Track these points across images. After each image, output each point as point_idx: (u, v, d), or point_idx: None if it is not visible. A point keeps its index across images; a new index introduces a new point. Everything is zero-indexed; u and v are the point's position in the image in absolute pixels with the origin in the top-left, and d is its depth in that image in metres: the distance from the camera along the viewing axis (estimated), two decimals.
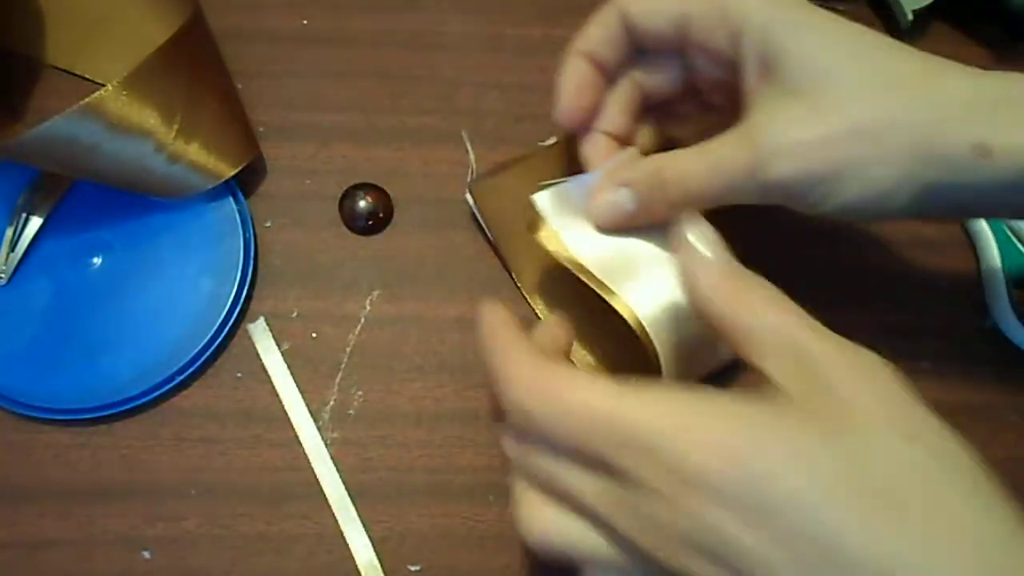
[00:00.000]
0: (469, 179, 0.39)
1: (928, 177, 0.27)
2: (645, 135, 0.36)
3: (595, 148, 0.34)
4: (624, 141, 0.35)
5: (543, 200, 0.33)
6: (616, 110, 0.34)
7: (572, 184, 0.34)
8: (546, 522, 0.25)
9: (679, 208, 0.30)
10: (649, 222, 0.32)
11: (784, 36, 0.28)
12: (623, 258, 0.32)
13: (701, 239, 0.27)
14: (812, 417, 0.22)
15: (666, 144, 0.36)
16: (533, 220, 0.33)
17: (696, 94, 0.35)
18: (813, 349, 0.24)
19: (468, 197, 0.38)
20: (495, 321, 0.27)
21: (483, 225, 0.38)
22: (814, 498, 0.21)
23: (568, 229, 0.33)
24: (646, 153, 0.34)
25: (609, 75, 0.34)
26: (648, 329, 0.31)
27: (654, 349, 0.31)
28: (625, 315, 0.31)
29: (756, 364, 0.24)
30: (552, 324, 0.30)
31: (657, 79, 0.34)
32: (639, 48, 0.33)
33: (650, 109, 0.36)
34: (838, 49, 0.28)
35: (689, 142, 0.33)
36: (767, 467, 0.21)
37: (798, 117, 0.28)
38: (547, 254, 0.33)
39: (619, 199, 0.32)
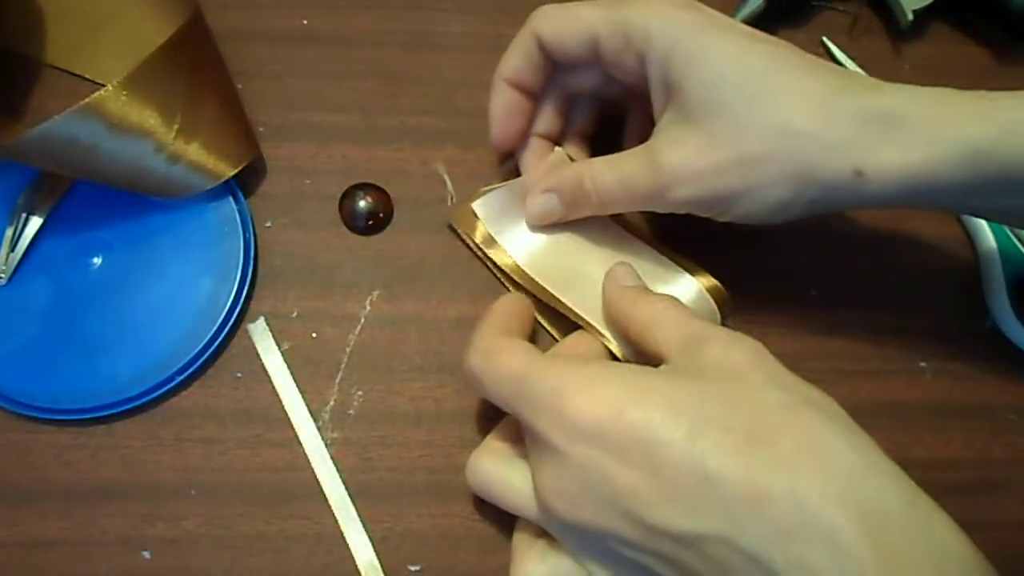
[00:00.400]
0: (449, 205, 0.41)
1: (814, 195, 0.30)
2: (578, 126, 0.39)
3: (530, 152, 0.38)
4: (558, 139, 0.39)
5: (482, 206, 0.38)
6: (547, 113, 0.38)
7: (507, 189, 0.38)
8: (487, 466, 0.31)
9: (601, 211, 0.35)
10: (578, 217, 0.36)
11: (682, 65, 0.30)
12: (559, 259, 0.36)
13: (621, 271, 0.34)
14: (693, 377, 0.26)
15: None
16: (473, 225, 0.38)
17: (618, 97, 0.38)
18: (699, 331, 0.28)
19: (452, 224, 0.40)
20: (496, 307, 0.33)
21: (472, 247, 0.39)
22: (685, 437, 0.24)
23: (505, 233, 0.37)
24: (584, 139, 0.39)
25: (535, 95, 0.37)
26: (596, 325, 0.34)
27: (605, 340, 0.34)
28: (572, 316, 0.35)
29: (654, 348, 0.29)
30: (509, 299, 0.34)
31: (581, 81, 0.37)
32: (559, 65, 0.36)
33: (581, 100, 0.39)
34: (734, 77, 0.30)
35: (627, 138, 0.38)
36: (644, 415, 0.25)
37: (693, 146, 0.31)
38: (487, 258, 0.38)
39: (548, 203, 0.36)
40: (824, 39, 0.46)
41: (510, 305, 0.34)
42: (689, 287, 0.36)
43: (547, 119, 0.38)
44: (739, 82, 0.30)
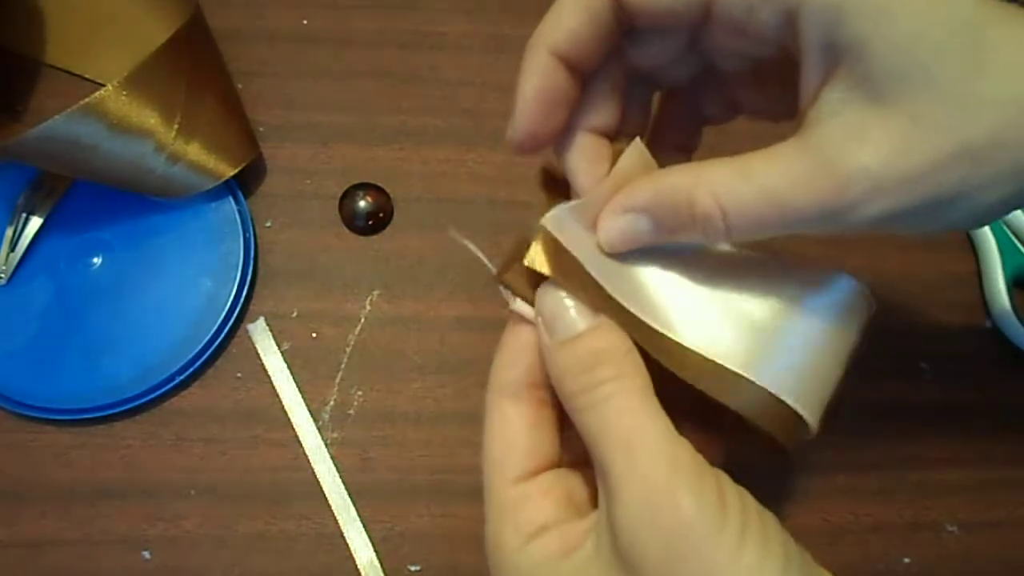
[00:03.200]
0: (490, 268, 0.27)
1: None
2: (634, 120, 0.28)
3: (581, 153, 0.26)
4: (614, 135, 0.27)
5: (555, 222, 0.24)
6: (603, 100, 0.26)
7: (573, 208, 0.25)
8: None
9: (723, 238, 0.23)
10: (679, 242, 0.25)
11: (862, 21, 0.21)
12: (657, 289, 0.25)
13: (553, 307, 0.24)
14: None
15: None
16: (543, 254, 0.25)
17: (713, 88, 0.28)
18: (617, 493, 0.21)
19: (502, 289, 0.26)
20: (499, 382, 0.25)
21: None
22: None
23: (587, 255, 0.24)
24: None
25: (586, 74, 0.26)
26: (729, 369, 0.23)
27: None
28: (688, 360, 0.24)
29: (599, 467, 0.22)
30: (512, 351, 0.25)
31: (654, 55, 0.26)
32: (632, 30, 0.25)
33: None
34: (938, 34, 0.21)
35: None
36: None
37: (893, 137, 0.21)
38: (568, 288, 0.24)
39: (634, 227, 0.24)
40: None
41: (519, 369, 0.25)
42: (845, 287, 0.26)
43: (604, 108, 0.26)
44: (954, 35, 0.21)
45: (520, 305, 0.25)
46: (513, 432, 0.24)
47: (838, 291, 0.26)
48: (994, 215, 0.23)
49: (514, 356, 0.25)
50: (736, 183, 0.22)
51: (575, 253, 0.24)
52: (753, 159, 0.22)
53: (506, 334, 0.25)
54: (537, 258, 0.24)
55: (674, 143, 0.30)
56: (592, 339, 0.23)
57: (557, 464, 0.25)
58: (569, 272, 0.24)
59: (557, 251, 0.24)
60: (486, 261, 0.27)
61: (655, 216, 0.24)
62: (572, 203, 0.25)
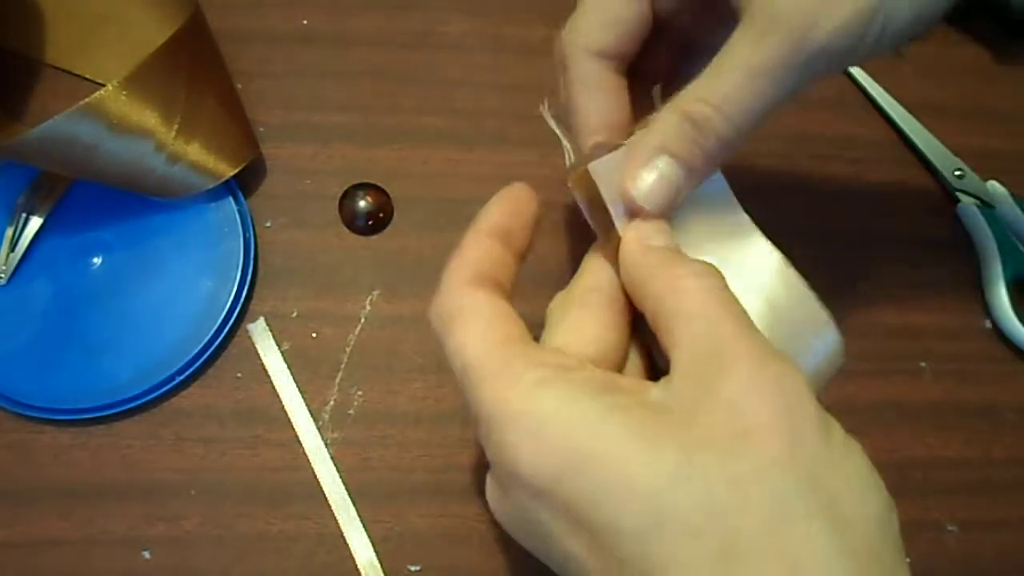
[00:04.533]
0: (567, 162, 0.29)
1: None
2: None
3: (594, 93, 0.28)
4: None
5: (600, 169, 0.26)
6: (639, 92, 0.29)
7: (615, 158, 0.26)
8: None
9: (735, 142, 0.25)
10: (708, 174, 0.27)
11: None
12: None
13: (649, 227, 0.25)
14: (681, 427, 0.20)
15: None
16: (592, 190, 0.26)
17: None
18: (725, 345, 0.21)
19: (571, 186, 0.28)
20: (487, 215, 0.27)
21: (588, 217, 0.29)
22: (638, 530, 0.19)
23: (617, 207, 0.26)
24: None
25: (629, 60, 0.28)
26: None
27: None
28: None
29: (665, 343, 0.23)
30: (506, 200, 0.27)
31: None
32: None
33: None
34: None
35: None
36: (591, 489, 0.20)
37: None
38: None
39: (663, 172, 0.25)
40: None
41: (504, 212, 0.27)
42: (831, 340, 0.28)
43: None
44: None
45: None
46: (495, 307, 0.24)
47: (827, 340, 0.27)
48: (912, 31, 0.25)
49: (474, 252, 0.26)
50: (711, 79, 0.25)
51: (610, 206, 0.26)
52: (716, 60, 0.25)
53: (469, 237, 0.27)
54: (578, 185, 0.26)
55: None
56: (685, 255, 0.25)
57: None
58: (598, 205, 0.26)
59: (593, 188, 0.26)
60: (566, 144, 0.28)
61: (672, 152, 0.25)
62: (614, 154, 0.26)
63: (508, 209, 0.27)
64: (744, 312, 0.22)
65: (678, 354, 0.22)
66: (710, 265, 0.24)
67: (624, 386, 0.22)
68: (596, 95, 0.27)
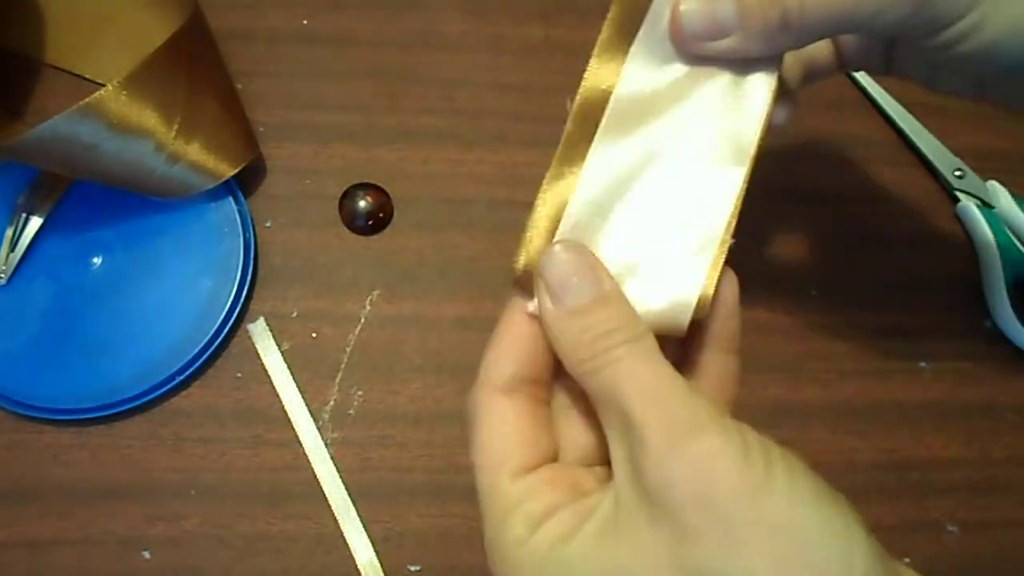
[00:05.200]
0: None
1: None
2: None
3: None
4: None
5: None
6: None
7: None
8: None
9: (770, 35, 0.25)
10: (753, 53, 0.25)
11: None
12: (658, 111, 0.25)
13: (562, 272, 0.23)
14: (626, 554, 0.20)
15: None
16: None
17: None
18: (644, 443, 0.20)
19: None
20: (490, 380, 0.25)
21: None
22: None
23: (646, 40, 0.25)
24: None
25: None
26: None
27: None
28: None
29: (617, 419, 0.22)
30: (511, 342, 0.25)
31: None
32: None
33: None
34: None
35: None
36: None
37: None
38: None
39: (718, 10, 0.25)
40: None
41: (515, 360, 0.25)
42: (685, 287, 0.25)
43: None
44: None
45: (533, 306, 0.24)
46: (511, 427, 0.24)
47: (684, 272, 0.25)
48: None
49: (509, 350, 0.24)
50: None
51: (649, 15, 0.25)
52: None
53: (500, 329, 0.25)
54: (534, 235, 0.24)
55: None
56: (604, 306, 0.22)
57: (555, 459, 0.25)
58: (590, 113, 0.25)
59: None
60: None
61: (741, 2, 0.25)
62: None
63: (518, 350, 0.25)
64: (658, 380, 0.21)
65: (613, 446, 0.22)
66: (624, 324, 0.22)
67: (586, 510, 0.22)
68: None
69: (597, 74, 0.25)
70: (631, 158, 0.25)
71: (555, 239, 0.24)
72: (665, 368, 0.21)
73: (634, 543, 0.20)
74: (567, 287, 0.23)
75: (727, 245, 0.25)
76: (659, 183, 0.25)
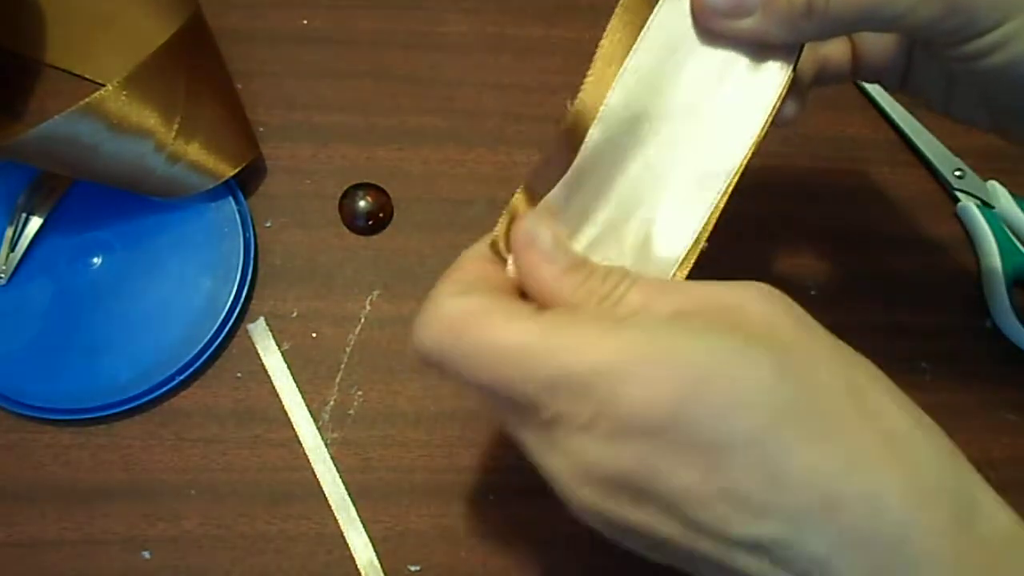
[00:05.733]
0: None
1: None
2: None
3: None
4: None
5: None
6: None
7: None
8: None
9: (795, 20, 0.25)
10: (772, 38, 0.26)
11: None
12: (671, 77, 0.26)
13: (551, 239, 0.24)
14: (752, 349, 0.21)
15: None
16: None
17: None
18: (729, 291, 0.22)
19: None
20: (470, 249, 0.26)
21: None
22: (755, 434, 0.20)
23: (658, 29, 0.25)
24: None
25: None
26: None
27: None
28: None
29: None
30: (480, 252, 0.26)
31: None
32: None
33: None
34: None
35: None
36: (711, 411, 0.20)
37: None
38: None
39: None
40: None
41: (480, 259, 0.26)
42: (671, 247, 0.26)
43: None
44: None
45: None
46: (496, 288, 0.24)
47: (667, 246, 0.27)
48: None
49: (474, 277, 0.25)
50: None
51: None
52: None
53: (464, 259, 0.26)
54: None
55: None
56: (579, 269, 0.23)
57: None
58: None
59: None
60: None
61: None
62: None
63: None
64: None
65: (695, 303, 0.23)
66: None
67: (701, 305, 0.23)
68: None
69: (611, 47, 0.25)
70: (634, 128, 0.26)
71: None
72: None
73: (775, 347, 0.21)
74: (557, 247, 0.24)
75: (703, 243, 0.27)
76: (659, 154, 0.26)
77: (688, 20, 0.26)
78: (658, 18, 0.25)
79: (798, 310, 0.22)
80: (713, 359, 0.21)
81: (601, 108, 0.25)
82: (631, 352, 0.21)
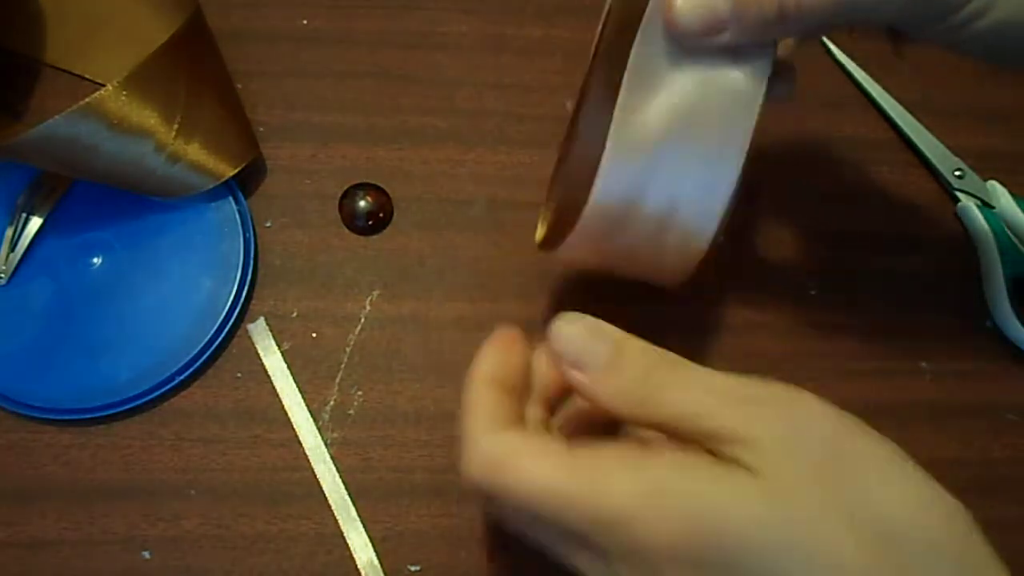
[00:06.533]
0: None
1: None
2: None
3: None
4: None
5: None
6: None
7: None
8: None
9: (768, 27, 0.25)
10: (750, 39, 0.26)
11: None
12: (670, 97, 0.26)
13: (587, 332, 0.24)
14: (774, 488, 0.21)
15: None
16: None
17: None
18: (755, 395, 0.22)
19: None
20: (478, 373, 0.27)
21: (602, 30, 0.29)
22: (781, 566, 0.20)
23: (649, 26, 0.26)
24: None
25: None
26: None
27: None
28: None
29: (716, 450, 0.23)
30: (496, 350, 0.27)
31: None
32: None
33: None
34: None
35: None
36: (736, 540, 0.20)
37: None
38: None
39: (715, 4, 0.25)
40: (824, 39, 0.46)
41: (497, 363, 0.27)
42: (697, 238, 0.29)
43: None
44: None
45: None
46: (494, 400, 0.25)
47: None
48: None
49: (491, 353, 0.27)
50: None
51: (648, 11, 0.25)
52: None
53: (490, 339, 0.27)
54: None
55: None
56: (634, 351, 0.24)
57: None
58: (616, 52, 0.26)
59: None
60: None
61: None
62: None
63: (500, 359, 0.27)
64: (706, 375, 0.23)
65: (722, 432, 0.22)
66: (649, 360, 0.24)
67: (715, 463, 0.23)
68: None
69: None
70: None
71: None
72: (697, 370, 0.23)
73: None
74: (585, 356, 0.24)
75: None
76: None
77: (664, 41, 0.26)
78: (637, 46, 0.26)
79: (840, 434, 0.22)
80: (736, 507, 0.21)
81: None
82: (639, 493, 0.21)
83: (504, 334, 0.27)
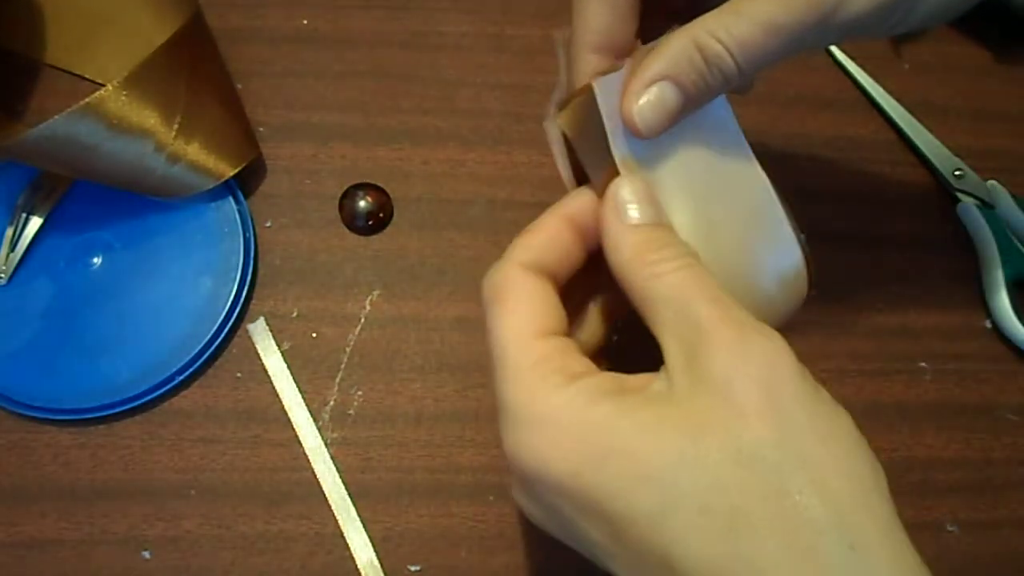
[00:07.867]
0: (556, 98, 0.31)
1: None
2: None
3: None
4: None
5: (602, 89, 0.26)
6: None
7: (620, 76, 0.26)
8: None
9: (737, 81, 0.25)
10: (701, 106, 0.26)
11: None
12: (676, 175, 0.26)
13: (624, 192, 0.25)
14: (678, 413, 0.22)
15: None
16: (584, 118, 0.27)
17: None
18: (705, 326, 0.22)
19: (555, 121, 0.29)
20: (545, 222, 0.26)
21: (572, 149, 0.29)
22: (651, 513, 0.21)
23: (617, 130, 0.26)
24: None
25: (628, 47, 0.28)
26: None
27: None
28: None
29: (652, 330, 0.24)
30: (567, 209, 0.27)
31: None
32: None
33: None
34: None
35: None
36: (604, 483, 0.21)
37: None
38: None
39: (661, 96, 0.25)
40: None
41: (588, 207, 0.26)
42: (788, 258, 0.28)
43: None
44: None
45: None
46: (538, 295, 0.25)
47: (780, 254, 0.28)
48: (942, 16, 0.27)
49: (541, 239, 0.26)
50: (732, 21, 0.24)
51: (606, 122, 0.26)
52: (738, 1, 0.25)
53: (536, 222, 0.26)
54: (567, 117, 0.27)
55: None
56: (663, 230, 0.25)
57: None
58: (590, 136, 0.26)
59: (588, 114, 0.26)
60: (562, 78, 0.30)
61: (675, 78, 0.25)
62: (618, 73, 0.26)
63: (592, 206, 0.26)
64: (720, 292, 0.23)
65: (666, 342, 0.23)
66: (684, 247, 0.24)
67: (630, 386, 0.23)
68: (601, 7, 0.27)
69: None
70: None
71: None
72: (719, 288, 0.23)
73: (692, 426, 0.21)
74: (636, 205, 0.25)
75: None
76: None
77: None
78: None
79: (779, 378, 0.22)
80: (611, 428, 0.22)
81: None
82: (553, 416, 0.22)
83: (550, 220, 0.27)
